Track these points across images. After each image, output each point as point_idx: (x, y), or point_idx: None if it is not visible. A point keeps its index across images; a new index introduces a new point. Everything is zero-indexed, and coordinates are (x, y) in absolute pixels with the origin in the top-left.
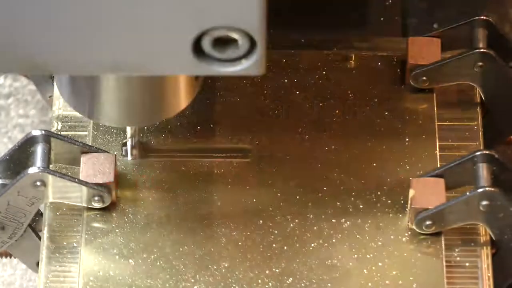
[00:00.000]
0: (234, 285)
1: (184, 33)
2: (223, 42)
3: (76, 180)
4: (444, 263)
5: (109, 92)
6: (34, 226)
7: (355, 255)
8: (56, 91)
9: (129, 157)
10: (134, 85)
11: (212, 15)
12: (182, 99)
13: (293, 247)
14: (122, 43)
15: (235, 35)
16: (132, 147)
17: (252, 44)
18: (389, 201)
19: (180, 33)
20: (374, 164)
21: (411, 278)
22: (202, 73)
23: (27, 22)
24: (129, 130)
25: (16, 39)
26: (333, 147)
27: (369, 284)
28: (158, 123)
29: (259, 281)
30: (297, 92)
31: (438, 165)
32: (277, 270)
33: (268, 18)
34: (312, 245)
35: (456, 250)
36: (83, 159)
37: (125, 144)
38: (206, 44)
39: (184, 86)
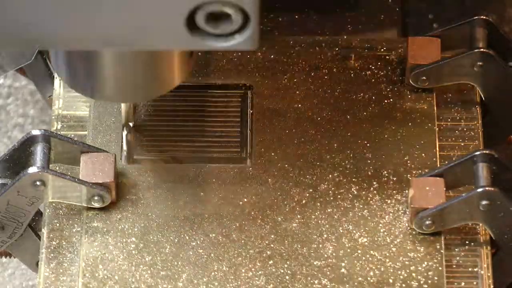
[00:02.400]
0: (234, 285)
1: (178, 7)
2: (216, 17)
3: (76, 179)
4: (444, 263)
5: (103, 68)
6: (34, 226)
7: (355, 255)
8: (56, 90)
9: (124, 139)
10: (129, 60)
11: None
12: (176, 75)
13: (293, 247)
14: (116, 17)
15: (228, 10)
16: (126, 127)
17: (246, 18)
18: (389, 200)
19: (174, 7)
20: (374, 164)
21: (411, 278)
22: (195, 48)
23: None
24: (123, 107)
25: (11, 13)
26: (333, 146)
27: (369, 284)
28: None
29: (259, 281)
30: (297, 92)
31: (438, 165)
32: (277, 271)
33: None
34: (312, 245)
35: (456, 250)
36: (83, 158)
37: (125, 145)
38: (200, 19)
39: (178, 62)
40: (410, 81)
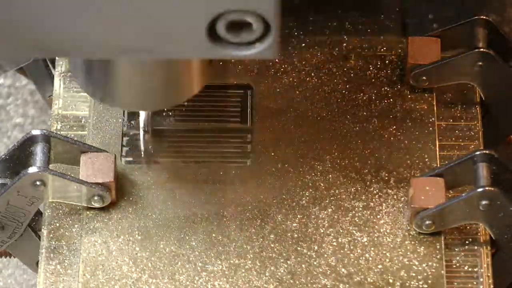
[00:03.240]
0: (233, 285)
1: (199, 16)
2: (237, 26)
3: (76, 179)
4: (444, 263)
5: (123, 76)
6: (34, 226)
7: (355, 255)
8: (56, 90)
9: (142, 144)
10: (149, 69)
11: None
12: (195, 83)
13: (293, 247)
14: (137, 26)
15: (249, 19)
16: (145, 133)
17: (267, 27)
18: (389, 201)
19: (195, 16)
20: (374, 164)
21: (411, 278)
22: (216, 56)
23: (40, 3)
24: (142, 115)
25: (31, 21)
26: (333, 146)
27: (369, 284)
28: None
29: (260, 281)
30: (297, 92)
31: (438, 165)
32: (277, 271)
33: (282, 2)
34: (312, 245)
35: (456, 250)
36: (83, 158)
37: (125, 145)
38: (221, 28)
39: (198, 70)
40: (410, 81)
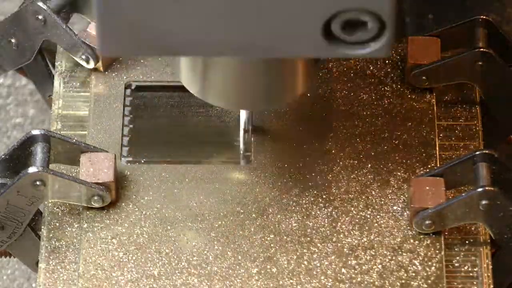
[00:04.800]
0: (233, 285)
1: (315, 15)
2: (352, 25)
3: (76, 179)
4: (444, 263)
5: (231, 75)
6: (34, 226)
7: (355, 255)
8: (56, 90)
9: (241, 143)
10: (259, 69)
11: None
12: (302, 83)
13: (293, 247)
14: (253, 25)
15: (365, 18)
16: (245, 132)
17: (382, 27)
18: (389, 200)
19: (311, 15)
20: (374, 164)
21: (411, 278)
22: (330, 55)
23: (160, 4)
24: (243, 114)
25: (149, 20)
26: (333, 146)
27: (369, 284)
28: None
29: (259, 282)
30: None
31: (438, 165)
32: (277, 271)
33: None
34: (312, 245)
35: (456, 249)
36: (83, 158)
37: (125, 145)
38: (336, 27)
39: (305, 70)
40: (410, 81)
